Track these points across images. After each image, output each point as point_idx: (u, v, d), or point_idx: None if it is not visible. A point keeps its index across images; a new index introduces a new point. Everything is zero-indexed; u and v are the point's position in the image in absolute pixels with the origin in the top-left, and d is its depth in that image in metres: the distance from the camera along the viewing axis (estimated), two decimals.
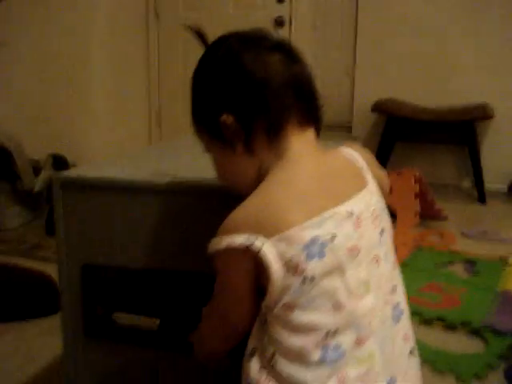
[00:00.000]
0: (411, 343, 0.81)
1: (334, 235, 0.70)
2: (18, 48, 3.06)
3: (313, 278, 0.69)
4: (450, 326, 1.78)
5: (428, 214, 2.78)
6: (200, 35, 0.86)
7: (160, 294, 1.03)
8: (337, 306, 0.71)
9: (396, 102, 3.42)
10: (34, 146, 2.91)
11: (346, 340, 0.71)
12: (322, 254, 0.69)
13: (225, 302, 0.79)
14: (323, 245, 0.69)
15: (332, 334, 0.71)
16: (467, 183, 3.69)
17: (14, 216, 2.71)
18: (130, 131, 4.11)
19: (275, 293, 0.70)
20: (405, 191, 2.58)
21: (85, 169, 1.10)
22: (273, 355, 0.72)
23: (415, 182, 2.61)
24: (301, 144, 0.78)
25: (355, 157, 0.82)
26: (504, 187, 3.58)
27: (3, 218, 2.65)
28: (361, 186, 0.79)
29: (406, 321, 0.80)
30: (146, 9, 4.10)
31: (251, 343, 0.77)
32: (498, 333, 1.71)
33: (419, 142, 3.62)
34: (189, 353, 0.96)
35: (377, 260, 0.77)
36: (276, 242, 0.69)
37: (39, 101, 3.23)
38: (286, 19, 3.78)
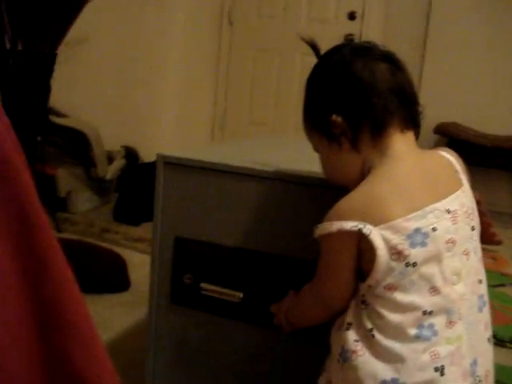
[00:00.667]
0: (490, 332, 0.89)
1: (434, 228, 0.80)
2: (100, 44, 3.22)
3: (415, 264, 0.79)
4: (500, 342, 1.81)
5: (483, 237, 2.80)
6: (313, 46, 0.96)
7: (245, 271, 1.12)
8: (433, 290, 0.80)
9: (458, 126, 3.46)
10: (108, 137, 3.05)
11: (438, 321, 0.80)
12: (424, 244, 0.79)
13: (329, 281, 0.88)
14: (425, 235, 0.79)
15: (427, 314, 0.80)
16: None
17: (86, 200, 2.85)
18: (194, 132, 4.25)
19: (379, 274, 0.80)
20: None
21: (186, 151, 1.20)
22: (371, 330, 0.81)
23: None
24: (402, 144, 0.87)
25: (451, 159, 0.91)
26: None
27: (74, 201, 2.80)
28: (456, 186, 0.88)
29: (487, 311, 0.89)
30: (220, 15, 4.25)
31: (347, 318, 0.86)
32: None
33: (478, 167, 3.63)
34: (268, 326, 1.05)
35: (467, 253, 0.86)
36: (382, 230, 0.79)
37: (116, 96, 3.39)
38: (357, 37, 3.87)
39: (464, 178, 0.90)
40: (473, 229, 0.88)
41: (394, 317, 0.80)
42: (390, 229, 0.79)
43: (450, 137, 3.47)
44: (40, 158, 2.59)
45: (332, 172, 0.94)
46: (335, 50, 0.92)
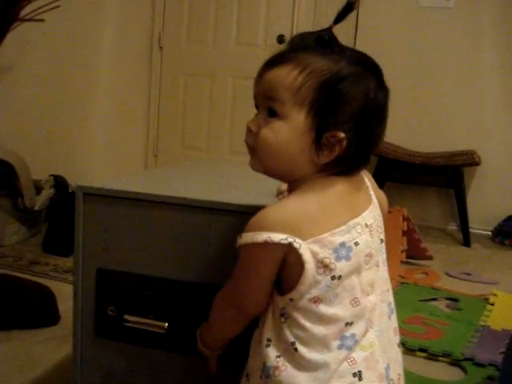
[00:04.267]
0: (398, 337, 0.94)
1: (357, 242, 0.83)
2: (26, 72, 3.16)
3: (340, 277, 0.82)
4: (432, 356, 1.86)
5: (414, 253, 2.88)
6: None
7: (168, 300, 1.11)
8: (354, 302, 0.84)
9: (388, 145, 3.55)
10: (35, 167, 2.99)
11: (358, 330, 0.84)
12: (348, 257, 0.82)
13: (246, 288, 0.88)
14: (349, 249, 0.82)
15: (349, 325, 0.83)
16: (453, 226, 3.81)
17: (13, 232, 2.77)
18: (127, 159, 4.21)
19: (304, 287, 0.81)
20: (393, 228, 2.68)
21: (106, 181, 1.19)
22: (293, 344, 0.83)
23: (403, 221, 2.71)
24: None
25: (363, 176, 0.93)
26: (488, 231, 3.71)
27: (2, 234, 2.71)
28: (369, 201, 0.91)
29: (395, 318, 0.94)
30: (150, 40, 4.24)
31: (265, 333, 0.87)
32: (477, 364, 1.80)
33: (408, 184, 3.75)
34: (194, 354, 1.04)
35: (378, 265, 0.90)
36: (310, 244, 0.80)
37: (43, 124, 3.33)
38: None
39: (373, 194, 0.93)
40: (382, 241, 0.92)
41: (318, 329, 0.82)
42: (318, 243, 0.80)
43: (380, 155, 3.56)
44: None
45: (279, 154, 0.85)
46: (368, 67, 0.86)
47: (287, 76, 0.84)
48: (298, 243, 0.80)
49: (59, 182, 3.04)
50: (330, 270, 0.81)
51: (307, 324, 0.83)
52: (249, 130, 0.89)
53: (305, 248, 0.80)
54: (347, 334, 0.83)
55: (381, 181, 3.59)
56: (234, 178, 0.97)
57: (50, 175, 3.02)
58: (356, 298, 0.84)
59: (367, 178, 0.95)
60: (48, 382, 1.58)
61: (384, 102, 0.86)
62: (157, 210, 1.10)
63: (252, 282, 0.87)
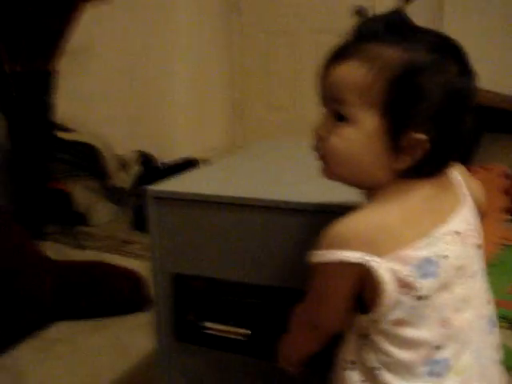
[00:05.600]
0: (499, 353, 0.83)
1: (446, 255, 0.72)
2: (105, 52, 3.16)
3: (426, 297, 0.72)
4: None
5: None
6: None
7: (248, 306, 1.05)
8: (444, 322, 0.74)
9: (481, 91, 3.29)
10: (120, 143, 3.01)
11: (450, 353, 0.74)
12: (435, 274, 0.72)
13: (321, 309, 0.80)
14: (437, 264, 0.72)
15: (439, 348, 0.73)
16: None
17: (103, 212, 2.82)
18: (212, 126, 4.18)
19: (385, 308, 0.72)
20: (493, 187, 2.50)
21: (177, 182, 1.13)
22: (378, 369, 0.75)
23: (504, 178, 2.52)
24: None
25: (454, 173, 0.82)
26: None
27: (92, 214, 2.77)
28: (459, 201, 0.79)
29: (496, 332, 0.82)
30: (227, 2, 4.13)
31: (348, 355, 0.79)
32: None
33: (506, 133, 3.48)
34: (276, 360, 0.98)
35: (475, 275, 0.79)
36: (390, 261, 0.70)
37: (126, 101, 3.34)
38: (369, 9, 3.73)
39: (465, 191, 0.81)
40: (479, 247, 0.80)
41: (403, 355, 0.73)
42: (398, 259, 0.70)
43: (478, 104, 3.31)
44: (52, 175, 2.56)
45: (351, 161, 0.75)
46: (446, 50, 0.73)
47: (354, 74, 0.72)
48: (375, 262, 0.70)
49: (145, 158, 3.06)
50: (415, 289, 0.71)
51: (391, 348, 0.74)
52: (317, 137, 0.79)
53: (383, 267, 0.70)
54: (437, 358, 0.74)
55: (478, 132, 3.36)
56: (312, 164, 0.85)
57: (137, 152, 3.04)
58: (445, 317, 0.74)
59: (457, 171, 0.83)
60: (140, 372, 1.59)
61: (469, 88, 0.74)
62: (232, 212, 1.03)
63: (327, 301, 0.79)
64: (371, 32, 0.74)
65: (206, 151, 3.89)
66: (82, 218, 2.74)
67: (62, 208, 2.66)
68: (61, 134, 2.59)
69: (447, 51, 0.73)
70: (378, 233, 0.71)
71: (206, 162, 3.65)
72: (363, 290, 0.75)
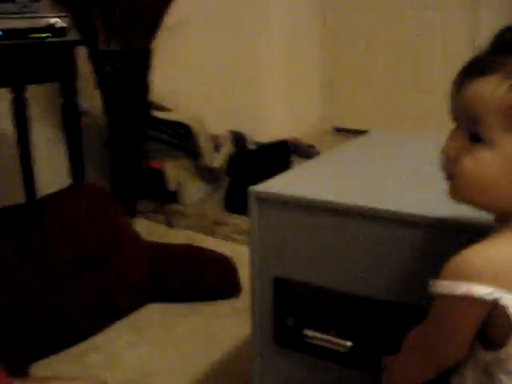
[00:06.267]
0: None
1: None
2: (199, 29, 3.14)
3: None
4: None
5: None
6: None
7: (352, 317, 1.00)
8: None
9: None
10: (214, 123, 3.00)
11: None
12: None
13: (440, 341, 0.74)
14: None
15: None
16: None
17: (196, 190, 2.82)
18: (305, 107, 4.12)
19: None
20: None
21: (281, 183, 1.09)
22: None
23: None
24: None
25: None
26: None
27: (184, 193, 2.78)
28: None
29: None
30: None
31: None
32: None
33: None
34: (379, 374, 0.92)
35: None
36: None
37: (219, 79, 3.32)
38: None
39: None
40: None
41: None
42: None
43: None
44: (147, 154, 2.59)
45: (486, 185, 0.69)
46: None
47: (495, 91, 0.64)
48: (506, 300, 0.64)
49: (237, 138, 3.04)
50: None
51: None
52: (447, 156, 0.71)
53: None
54: None
55: None
56: (428, 163, 0.78)
57: (229, 131, 3.02)
58: None
59: None
60: (231, 363, 1.57)
61: None
62: (336, 218, 0.98)
63: (448, 336, 0.72)
64: None
65: (299, 131, 3.84)
66: (174, 196, 2.76)
67: (155, 186, 2.69)
68: (156, 113, 2.60)
69: None
70: (511, 267, 0.64)
71: (298, 142, 3.61)
72: (489, 325, 0.68)
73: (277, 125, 3.75)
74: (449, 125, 0.73)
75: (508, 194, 0.67)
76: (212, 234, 2.48)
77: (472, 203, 0.72)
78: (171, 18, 2.46)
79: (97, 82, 2.39)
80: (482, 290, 0.64)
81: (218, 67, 3.30)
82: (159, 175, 2.70)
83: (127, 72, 2.36)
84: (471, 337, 0.70)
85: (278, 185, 1.08)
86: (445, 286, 0.67)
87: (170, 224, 2.54)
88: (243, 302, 1.85)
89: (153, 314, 1.82)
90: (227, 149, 2.92)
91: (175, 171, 2.74)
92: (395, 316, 0.96)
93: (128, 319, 1.78)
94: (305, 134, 3.91)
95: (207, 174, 2.87)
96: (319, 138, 4.11)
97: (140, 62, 2.41)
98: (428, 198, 0.96)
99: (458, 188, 0.71)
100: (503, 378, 0.68)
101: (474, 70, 0.68)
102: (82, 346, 1.64)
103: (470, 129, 0.68)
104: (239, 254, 2.02)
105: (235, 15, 3.41)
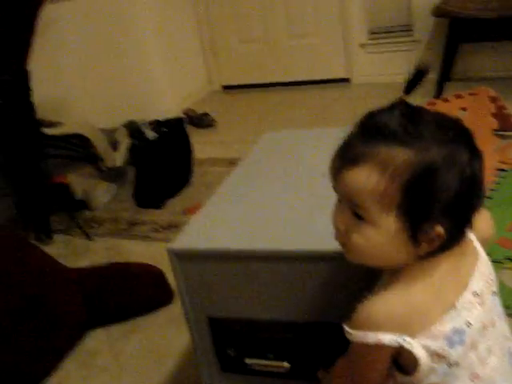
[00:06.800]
0: None
1: (469, 323, 0.79)
2: (70, 27, 3.05)
3: (456, 363, 0.79)
4: None
5: (506, 126, 2.72)
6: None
7: (283, 340, 1.13)
8: (473, 376, 0.82)
9: (457, 3, 3.23)
10: (106, 120, 2.99)
11: None
12: (462, 341, 0.79)
13: (361, 378, 0.87)
14: (462, 332, 0.78)
15: None
16: None
17: (103, 194, 2.84)
18: (187, 69, 4.12)
19: (421, 375, 0.79)
20: (481, 111, 2.53)
21: (192, 238, 1.16)
22: None
23: (491, 102, 2.54)
24: None
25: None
26: None
27: (93, 199, 2.79)
28: (475, 257, 0.85)
29: None
30: None
31: None
32: None
33: (486, 41, 3.45)
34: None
35: (494, 323, 0.86)
36: (422, 339, 0.77)
37: (100, 73, 3.27)
38: None
39: (476, 244, 0.87)
40: (494, 294, 0.87)
41: None
42: (428, 336, 0.77)
43: (452, 17, 3.26)
44: (48, 172, 2.58)
45: (374, 253, 0.80)
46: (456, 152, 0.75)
47: (368, 181, 0.74)
48: (408, 343, 0.77)
49: (133, 129, 3.03)
50: (446, 358, 0.78)
51: None
52: (337, 228, 0.82)
53: (416, 345, 0.77)
54: None
55: (455, 44, 3.35)
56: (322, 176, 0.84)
57: (123, 125, 3.02)
58: (475, 373, 0.82)
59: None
60: (184, 371, 1.67)
61: (480, 169, 0.77)
62: (246, 262, 1.09)
63: (365, 373, 0.86)
64: (379, 131, 0.75)
65: (190, 98, 3.87)
66: (83, 205, 2.78)
67: (63, 200, 2.69)
68: (48, 130, 2.57)
69: (457, 139, 0.75)
70: (409, 314, 0.77)
71: (192, 113, 3.66)
72: (400, 358, 0.81)
73: (169, 99, 3.77)
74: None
75: (393, 257, 0.79)
76: (131, 236, 2.53)
77: (366, 264, 0.84)
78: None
79: None
80: (387, 338, 0.77)
81: (94, 61, 3.25)
82: (65, 189, 2.70)
83: (9, 96, 2.32)
84: (386, 368, 0.84)
85: (191, 239, 1.16)
86: (357, 335, 0.80)
87: (87, 236, 2.56)
88: (178, 306, 1.94)
89: (97, 340, 1.88)
90: (125, 144, 2.93)
91: (79, 180, 2.75)
92: (317, 333, 1.10)
93: (74, 354, 1.83)
94: (197, 100, 3.96)
95: (113, 176, 2.89)
96: (211, 101, 4.18)
97: (18, 84, 2.36)
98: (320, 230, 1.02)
99: (351, 255, 0.83)
100: None
101: (348, 158, 0.77)
102: None
103: (352, 209, 0.79)
104: (161, 252, 2.09)
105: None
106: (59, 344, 1.80)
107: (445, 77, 3.38)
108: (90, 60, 3.24)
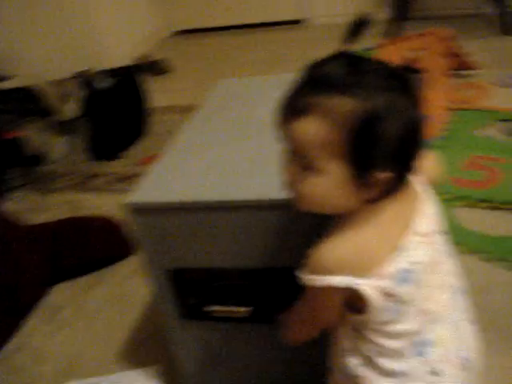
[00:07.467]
0: (470, 313, 0.97)
1: (417, 261, 0.83)
2: None
3: (407, 300, 0.83)
4: (496, 207, 1.85)
5: (459, 66, 2.75)
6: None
7: (243, 287, 1.16)
8: (423, 313, 0.86)
9: None
10: (58, 70, 2.91)
11: (431, 334, 0.88)
12: (409, 279, 0.82)
13: (315, 318, 0.93)
14: (409, 271, 0.82)
15: (421, 332, 0.87)
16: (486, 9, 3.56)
17: (58, 147, 2.80)
18: (138, 15, 4.01)
19: (372, 314, 0.83)
20: (435, 51, 2.53)
21: (149, 191, 1.16)
22: (372, 355, 0.88)
23: (445, 41, 2.55)
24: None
25: (415, 180, 0.88)
26: None
27: (49, 153, 2.75)
28: (422, 198, 0.88)
29: (466, 297, 0.96)
30: None
31: (346, 344, 0.92)
32: None
33: None
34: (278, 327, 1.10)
35: (444, 260, 0.91)
36: (372, 280, 0.80)
37: (41, 22, 3.15)
38: None
39: (423, 187, 0.90)
40: (441, 233, 0.91)
41: (393, 344, 0.86)
42: (378, 276, 0.80)
43: None
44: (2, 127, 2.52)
45: (320, 198, 0.81)
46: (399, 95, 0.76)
47: (314, 131, 0.75)
48: (357, 284, 0.80)
49: (83, 80, 2.96)
50: (396, 296, 0.82)
51: (381, 340, 0.86)
52: (285, 178, 0.84)
53: (365, 286, 0.80)
54: (421, 340, 0.87)
55: None
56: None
57: (71, 77, 2.94)
58: (426, 308, 0.86)
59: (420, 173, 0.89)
60: (147, 322, 1.71)
61: (421, 115, 0.78)
62: (203, 213, 1.10)
63: (320, 314, 0.90)
64: (323, 82, 0.76)
65: (144, 45, 3.78)
66: (39, 159, 2.73)
67: (16, 156, 2.64)
68: None
69: (400, 86, 0.76)
70: (358, 256, 0.80)
71: (147, 60, 3.58)
72: (352, 298, 0.84)
73: (120, 47, 3.67)
74: None
75: (341, 203, 0.81)
76: (87, 190, 2.51)
77: (315, 211, 0.86)
78: None
79: None
80: (338, 281, 0.80)
81: (37, 11, 3.12)
82: (17, 144, 2.64)
83: None
84: (340, 309, 0.88)
85: (146, 193, 1.15)
86: (310, 279, 0.83)
87: (43, 191, 2.53)
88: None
89: (60, 296, 1.90)
90: (76, 96, 2.86)
91: (33, 135, 2.69)
92: (274, 278, 1.13)
93: (39, 310, 1.85)
94: (151, 46, 3.88)
95: (67, 129, 2.83)
96: (165, 46, 4.09)
97: None
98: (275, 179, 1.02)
99: (299, 203, 0.85)
100: (368, 332, 0.87)
101: (294, 110, 0.77)
102: (4, 351, 1.71)
103: (300, 159, 0.80)
104: (120, 204, 2.10)
105: None
106: (22, 303, 1.81)
107: (402, 15, 3.37)
108: (33, 9, 3.11)
